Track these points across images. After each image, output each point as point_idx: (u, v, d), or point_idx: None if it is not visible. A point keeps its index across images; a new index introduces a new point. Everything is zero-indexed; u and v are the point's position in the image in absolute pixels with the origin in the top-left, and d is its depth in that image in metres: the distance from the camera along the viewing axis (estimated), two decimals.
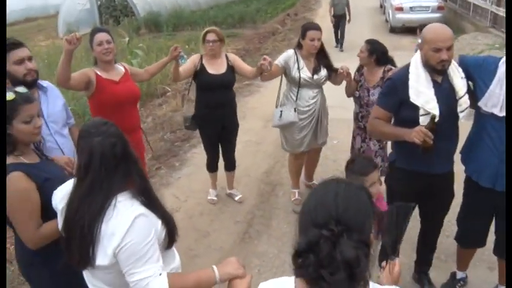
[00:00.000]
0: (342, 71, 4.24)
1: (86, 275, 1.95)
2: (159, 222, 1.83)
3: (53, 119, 2.91)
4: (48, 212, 2.15)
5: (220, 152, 4.79)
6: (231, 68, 4.41)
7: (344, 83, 4.48)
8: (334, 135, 5.78)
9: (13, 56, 2.67)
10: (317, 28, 4.29)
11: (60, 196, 1.96)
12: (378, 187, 2.75)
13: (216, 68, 4.35)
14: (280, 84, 4.67)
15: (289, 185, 5.07)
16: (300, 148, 4.59)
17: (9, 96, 2.11)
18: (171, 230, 1.89)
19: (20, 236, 2.22)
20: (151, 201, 1.85)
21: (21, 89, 2.20)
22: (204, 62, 4.35)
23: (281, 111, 4.46)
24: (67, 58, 3.20)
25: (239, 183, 5.15)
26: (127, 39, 9.10)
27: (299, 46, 4.37)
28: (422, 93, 2.71)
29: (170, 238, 1.90)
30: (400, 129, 2.82)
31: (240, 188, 5.10)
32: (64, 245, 1.87)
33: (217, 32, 4.37)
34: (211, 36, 4.29)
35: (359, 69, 4.44)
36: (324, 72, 4.36)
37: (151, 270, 1.74)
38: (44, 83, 2.97)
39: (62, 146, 2.88)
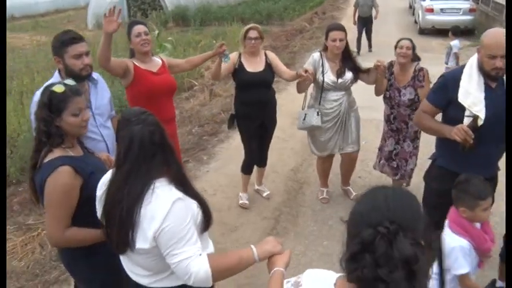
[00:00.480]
0: (379, 63, 4.10)
1: (125, 262, 2.00)
2: (195, 206, 1.89)
3: (100, 112, 2.97)
4: (90, 207, 2.13)
5: None
6: (269, 66, 4.38)
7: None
8: (362, 135, 5.74)
9: (72, 50, 2.74)
10: (339, 28, 4.23)
11: (99, 184, 2.02)
12: (489, 213, 2.59)
13: (254, 66, 4.32)
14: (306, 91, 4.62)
15: (316, 184, 5.09)
16: (325, 151, 4.57)
17: (59, 88, 2.13)
18: (206, 214, 1.94)
19: (46, 229, 2.25)
20: (186, 187, 1.90)
21: (69, 82, 2.23)
22: (242, 59, 4.32)
23: (305, 114, 4.47)
24: (107, 40, 3.29)
25: (266, 179, 5.17)
26: (157, 32, 9.17)
27: (325, 48, 4.35)
28: (471, 94, 2.73)
29: (205, 222, 1.95)
30: (443, 125, 2.90)
31: (267, 184, 5.12)
32: (104, 229, 1.93)
33: (259, 29, 4.34)
34: (253, 34, 4.25)
35: (389, 68, 4.35)
36: (349, 74, 4.30)
37: (191, 251, 1.79)
38: (95, 75, 3.01)
39: (106, 139, 2.94)
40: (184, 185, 1.90)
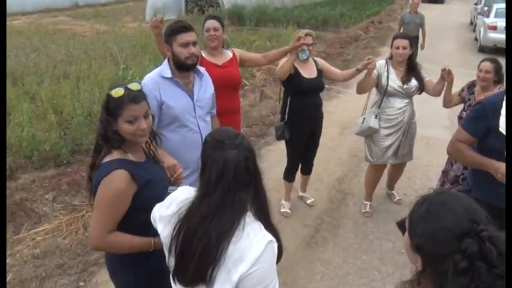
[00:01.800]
0: (446, 70, 3.99)
1: None
2: (276, 246, 1.70)
3: (201, 104, 3.02)
4: (138, 216, 2.09)
5: None
6: (320, 72, 4.36)
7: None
8: (415, 151, 5.63)
9: (180, 38, 2.84)
10: (404, 37, 4.31)
11: (167, 202, 1.86)
12: None
13: (308, 72, 4.28)
14: (369, 93, 4.58)
15: (360, 196, 5.00)
16: (383, 159, 4.53)
17: (117, 92, 2.03)
18: (280, 252, 1.75)
19: (90, 229, 2.18)
20: (268, 221, 1.74)
21: (134, 86, 2.10)
22: (296, 65, 4.26)
23: (364, 118, 4.46)
24: (158, 39, 3.50)
25: (310, 187, 5.11)
26: None
27: (390, 56, 4.39)
28: None
29: (277, 260, 1.76)
30: (485, 158, 2.64)
31: (310, 191, 5.06)
32: (177, 259, 1.72)
33: (312, 34, 4.30)
34: (308, 40, 4.18)
35: (469, 87, 4.23)
36: (414, 82, 4.28)
37: None
38: (201, 69, 3.11)
39: (202, 131, 2.99)
40: (267, 219, 1.73)
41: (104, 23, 16.71)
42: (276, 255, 1.67)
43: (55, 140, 5.79)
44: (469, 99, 4.18)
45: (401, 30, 9.77)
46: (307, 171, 4.81)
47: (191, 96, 2.98)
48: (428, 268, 1.26)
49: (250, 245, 1.60)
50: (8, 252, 3.95)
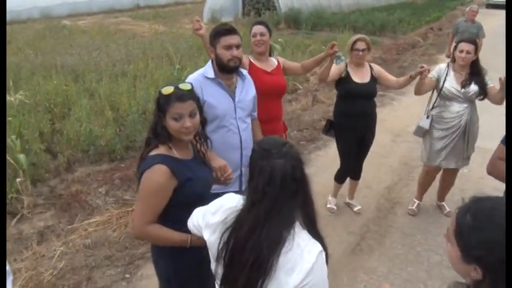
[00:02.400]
0: (501, 80, 3.78)
1: None
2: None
3: (242, 106, 3.07)
4: (176, 211, 2.17)
5: None
6: (374, 79, 4.32)
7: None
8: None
9: (224, 41, 2.90)
10: (469, 41, 4.19)
11: (213, 209, 1.85)
12: None
13: (360, 77, 4.27)
14: (431, 97, 4.52)
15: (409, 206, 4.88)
16: (435, 161, 4.48)
17: (166, 90, 2.14)
18: (327, 260, 1.73)
19: (133, 219, 2.29)
20: (316, 233, 1.71)
21: (184, 86, 2.19)
22: (349, 69, 4.27)
23: (421, 119, 4.51)
24: (205, 41, 3.48)
25: (358, 194, 5.02)
26: None
27: (453, 59, 4.31)
28: None
29: None
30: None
31: (358, 198, 4.98)
32: (226, 270, 1.72)
33: (367, 40, 4.26)
34: (361, 45, 4.19)
35: None
36: (474, 87, 4.16)
37: None
38: (244, 71, 3.17)
39: (241, 132, 3.04)
40: (314, 228, 1.71)
41: (162, 24, 17.18)
42: (326, 264, 1.66)
43: (110, 136, 6.01)
44: None
45: (454, 40, 8.97)
46: (356, 176, 4.77)
47: (232, 97, 3.02)
48: (488, 276, 1.24)
49: (301, 255, 1.59)
50: (62, 241, 4.15)
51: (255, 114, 3.34)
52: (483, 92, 4.18)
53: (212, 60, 3.04)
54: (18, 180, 4.74)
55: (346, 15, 18.66)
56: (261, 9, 19.05)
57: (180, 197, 2.15)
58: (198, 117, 2.21)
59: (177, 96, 2.12)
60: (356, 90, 4.23)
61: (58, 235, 4.25)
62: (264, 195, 1.63)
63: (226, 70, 2.96)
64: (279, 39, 10.63)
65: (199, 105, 2.26)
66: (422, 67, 3.96)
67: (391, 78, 4.45)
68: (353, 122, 4.33)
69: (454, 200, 4.94)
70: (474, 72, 4.22)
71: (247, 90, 3.14)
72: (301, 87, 9.05)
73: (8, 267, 1.54)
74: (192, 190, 2.17)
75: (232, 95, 3.02)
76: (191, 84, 2.24)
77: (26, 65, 9.20)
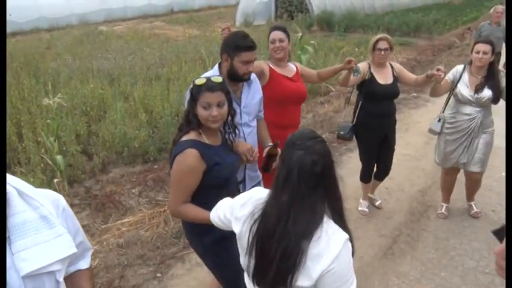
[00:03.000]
0: None
1: None
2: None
3: (247, 111, 3.10)
4: (203, 194, 2.38)
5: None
6: (396, 79, 4.30)
7: None
8: (500, 166, 5.25)
9: (244, 56, 2.90)
10: (486, 42, 4.09)
11: (242, 200, 1.90)
12: None
13: (384, 78, 4.25)
14: (448, 98, 4.45)
15: None
16: (446, 163, 4.49)
17: (199, 81, 2.35)
18: (353, 249, 1.78)
19: (169, 199, 2.51)
20: (344, 226, 1.75)
21: (215, 78, 2.37)
22: (372, 70, 4.24)
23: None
24: None
25: (391, 196, 4.96)
26: (300, 34, 9.29)
27: (470, 62, 4.24)
28: None
29: None
30: None
31: (391, 201, 4.92)
32: (257, 262, 1.76)
33: (389, 39, 4.22)
34: (383, 45, 4.15)
35: None
36: (488, 92, 4.08)
37: None
38: (252, 75, 3.15)
39: (247, 137, 3.07)
40: (342, 222, 1.74)
41: (196, 28, 17.38)
42: (351, 253, 1.72)
43: (144, 138, 6.12)
44: None
45: None
46: (381, 176, 4.74)
47: (238, 103, 3.02)
48: None
49: (328, 242, 1.64)
50: (96, 240, 4.26)
51: (261, 114, 3.33)
52: (496, 97, 4.09)
53: (220, 66, 3.03)
54: (55, 180, 4.89)
55: (380, 17, 18.41)
56: (293, 12, 19.03)
57: (209, 179, 2.36)
58: (226, 107, 2.39)
59: (208, 86, 2.31)
60: (381, 91, 4.22)
61: (92, 234, 4.36)
62: (283, 187, 1.67)
63: (237, 80, 2.98)
64: (311, 41, 10.57)
65: (229, 97, 2.43)
66: (438, 69, 3.87)
67: (410, 76, 4.42)
68: (376, 123, 4.33)
69: (482, 201, 4.86)
70: (490, 75, 4.12)
71: (253, 94, 3.13)
72: (333, 90, 8.99)
73: (87, 244, 1.72)
74: (220, 174, 2.38)
75: (238, 101, 3.02)
76: (223, 78, 2.42)
77: (64, 69, 9.47)
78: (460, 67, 4.32)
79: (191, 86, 2.40)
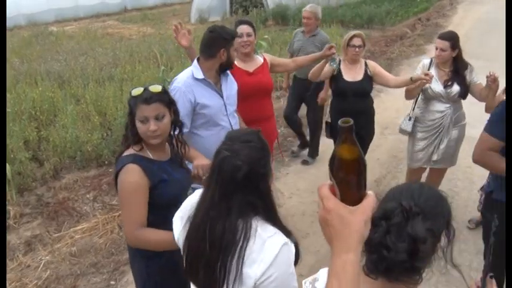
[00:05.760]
0: (491, 75, 3.69)
1: None
2: (293, 247, 1.65)
3: (230, 102, 3.14)
4: (155, 212, 2.15)
5: None
6: (368, 77, 4.25)
7: None
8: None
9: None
10: (444, 38, 3.99)
11: (186, 204, 1.84)
12: None
13: (352, 75, 4.23)
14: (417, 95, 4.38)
15: None
16: (416, 163, 4.34)
17: (135, 92, 2.15)
18: (298, 254, 1.70)
19: (123, 227, 2.31)
20: (280, 225, 1.67)
21: (154, 88, 2.17)
22: (342, 67, 4.23)
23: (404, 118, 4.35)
24: (186, 52, 3.59)
25: None
26: None
27: None
28: None
29: (295, 261, 1.70)
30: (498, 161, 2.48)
31: None
32: (186, 261, 1.70)
33: (362, 36, 4.22)
34: (357, 41, 4.15)
35: None
36: (457, 87, 4.00)
37: None
38: None
39: (234, 127, 3.11)
40: (276, 221, 1.66)
41: (150, 26, 17.06)
42: (291, 257, 1.61)
43: (97, 141, 5.96)
44: None
45: None
46: None
47: (221, 95, 3.08)
48: None
49: (263, 246, 1.55)
50: (48, 250, 4.11)
51: (235, 106, 3.37)
52: (466, 91, 4.04)
53: (198, 60, 3.05)
54: None
55: (334, 10, 18.58)
56: (248, 7, 18.96)
57: (155, 198, 2.14)
58: (167, 120, 2.18)
59: (143, 98, 2.11)
60: (346, 88, 4.20)
61: (45, 244, 4.21)
62: (210, 184, 1.62)
63: (228, 69, 3.12)
64: (265, 36, 10.57)
65: (172, 107, 2.23)
66: (427, 74, 3.77)
67: (388, 76, 4.34)
68: None
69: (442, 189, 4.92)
70: (457, 70, 4.03)
71: (230, 85, 3.20)
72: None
73: None
74: (167, 191, 2.16)
75: (221, 93, 3.09)
76: (162, 86, 2.22)
77: (11, 73, 9.11)
78: (426, 61, 4.23)
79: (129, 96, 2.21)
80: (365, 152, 4.56)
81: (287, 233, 1.66)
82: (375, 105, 7.78)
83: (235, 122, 3.19)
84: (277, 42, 11.82)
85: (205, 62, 3.02)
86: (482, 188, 4.09)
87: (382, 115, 7.21)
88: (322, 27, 14.88)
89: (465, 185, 5.08)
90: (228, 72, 3.20)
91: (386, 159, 5.80)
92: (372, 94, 8.44)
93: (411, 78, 3.92)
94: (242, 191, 1.59)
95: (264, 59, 3.85)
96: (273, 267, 1.53)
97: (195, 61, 3.07)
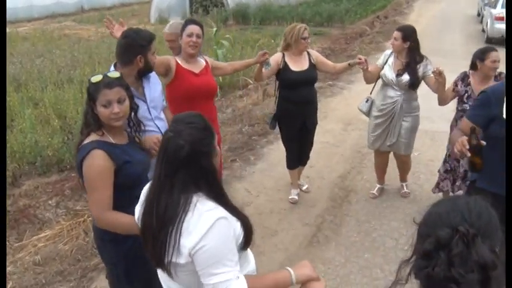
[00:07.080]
0: (435, 70, 3.94)
1: (162, 277, 1.88)
2: (238, 224, 1.74)
3: (154, 105, 3.06)
4: (119, 196, 2.26)
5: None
6: (313, 65, 4.44)
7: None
8: (415, 147, 5.55)
9: (154, 45, 2.97)
10: (398, 29, 4.40)
11: (146, 187, 1.94)
12: None
13: (299, 65, 4.38)
14: (376, 81, 4.66)
15: (363, 193, 4.99)
16: (374, 145, 4.72)
17: (95, 78, 2.25)
18: (248, 232, 1.78)
19: (91, 210, 2.37)
20: (225, 202, 1.75)
21: (112, 74, 2.30)
22: (286, 59, 4.37)
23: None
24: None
25: (312, 185, 5.07)
26: (215, 29, 9.23)
27: None
28: None
29: (246, 240, 1.79)
30: (458, 135, 2.76)
31: (312, 189, 5.02)
32: (142, 235, 1.82)
33: (307, 29, 4.41)
34: (306, 33, 4.33)
35: (463, 79, 4.13)
36: (407, 77, 4.31)
37: (230, 273, 1.65)
38: None
39: (161, 130, 3.02)
40: (220, 199, 1.75)
41: None
42: (230, 231, 1.69)
43: (58, 145, 5.80)
44: (466, 92, 4.08)
45: None
46: (301, 163, 4.87)
47: (144, 100, 2.98)
48: None
49: (199, 220, 1.64)
50: (10, 260, 3.96)
51: (164, 103, 3.32)
52: (415, 82, 4.32)
53: (115, 66, 2.96)
54: None
55: (294, 8, 18.79)
56: (208, 6, 18.89)
57: (120, 179, 2.27)
58: (127, 103, 2.33)
59: (105, 83, 2.22)
60: (294, 78, 4.35)
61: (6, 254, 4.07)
62: (156, 166, 1.74)
63: (148, 73, 3.00)
64: (227, 36, 10.56)
65: (129, 93, 2.37)
66: (360, 59, 4.16)
67: (329, 63, 4.64)
68: (294, 109, 4.43)
69: (408, 188, 5.02)
70: (410, 61, 4.33)
71: (154, 87, 3.11)
72: (251, 82, 9.02)
73: None
74: (131, 171, 2.30)
75: (144, 98, 2.99)
76: (120, 73, 2.36)
77: None
78: (388, 51, 4.55)
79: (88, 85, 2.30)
80: (311, 141, 4.76)
81: (233, 210, 1.75)
82: (337, 102, 8.00)
83: (162, 125, 3.08)
84: (239, 42, 11.84)
85: (122, 69, 2.86)
86: (438, 171, 4.56)
87: (343, 112, 7.38)
88: (282, 26, 15.05)
89: (428, 177, 5.23)
90: (152, 73, 3.09)
91: (350, 155, 5.90)
92: (334, 91, 8.69)
93: (349, 64, 4.39)
94: (185, 168, 1.69)
95: (206, 61, 3.84)
96: (207, 238, 1.62)
97: (112, 67, 2.98)
